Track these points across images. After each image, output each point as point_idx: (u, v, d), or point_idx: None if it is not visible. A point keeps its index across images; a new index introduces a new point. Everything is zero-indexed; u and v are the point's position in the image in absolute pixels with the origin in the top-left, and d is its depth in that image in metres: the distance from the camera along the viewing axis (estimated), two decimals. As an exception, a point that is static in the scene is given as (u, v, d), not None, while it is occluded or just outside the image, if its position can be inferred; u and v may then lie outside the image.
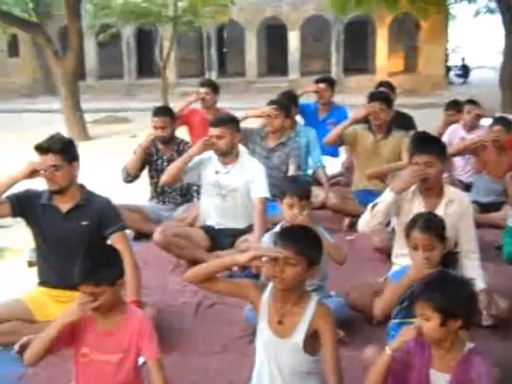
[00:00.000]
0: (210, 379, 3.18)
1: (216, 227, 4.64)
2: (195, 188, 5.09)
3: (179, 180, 4.68)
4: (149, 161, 5.28)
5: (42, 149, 3.41)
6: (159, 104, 19.04)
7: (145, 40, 25.98)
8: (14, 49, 24.95)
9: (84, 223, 3.52)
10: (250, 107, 12.77)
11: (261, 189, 4.47)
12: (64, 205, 3.53)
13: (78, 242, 3.50)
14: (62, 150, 3.43)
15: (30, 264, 6.82)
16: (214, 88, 6.41)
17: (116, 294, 2.58)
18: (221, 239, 4.59)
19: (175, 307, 3.97)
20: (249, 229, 4.54)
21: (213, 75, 24.62)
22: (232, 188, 4.54)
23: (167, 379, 2.56)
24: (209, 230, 4.63)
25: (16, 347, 3.32)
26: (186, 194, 5.34)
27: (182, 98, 20.02)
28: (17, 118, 18.28)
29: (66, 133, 14.02)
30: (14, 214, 3.57)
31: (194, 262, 4.50)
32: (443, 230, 3.07)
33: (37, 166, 3.41)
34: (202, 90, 6.30)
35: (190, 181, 4.76)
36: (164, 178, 4.60)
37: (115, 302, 2.59)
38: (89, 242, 3.55)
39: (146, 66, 26.48)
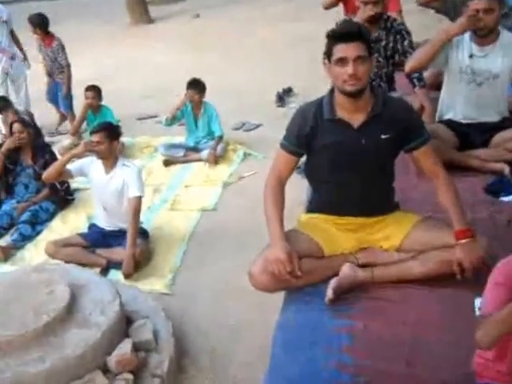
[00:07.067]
0: None
1: (463, 122, 3.93)
2: None
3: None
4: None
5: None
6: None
7: None
8: None
9: (384, 137, 2.75)
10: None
11: None
12: (354, 117, 2.75)
13: (377, 161, 2.84)
14: None
15: (166, 163, 6.23)
16: None
17: None
18: (472, 136, 3.89)
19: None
20: (502, 123, 3.87)
21: None
22: (490, 74, 3.79)
23: None
24: (454, 126, 3.93)
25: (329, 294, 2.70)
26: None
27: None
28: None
29: (127, 16, 12.95)
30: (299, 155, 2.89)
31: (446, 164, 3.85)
32: None
33: None
34: None
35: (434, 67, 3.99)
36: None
37: None
38: (389, 159, 2.88)
39: None
